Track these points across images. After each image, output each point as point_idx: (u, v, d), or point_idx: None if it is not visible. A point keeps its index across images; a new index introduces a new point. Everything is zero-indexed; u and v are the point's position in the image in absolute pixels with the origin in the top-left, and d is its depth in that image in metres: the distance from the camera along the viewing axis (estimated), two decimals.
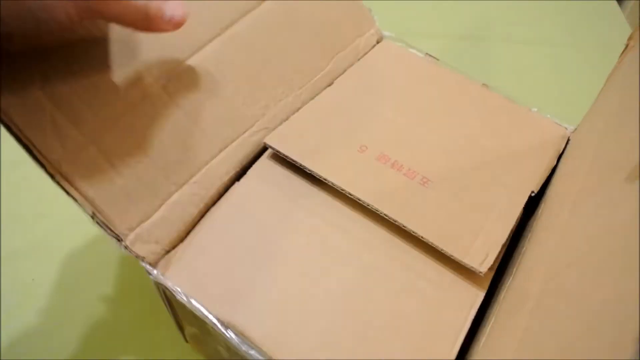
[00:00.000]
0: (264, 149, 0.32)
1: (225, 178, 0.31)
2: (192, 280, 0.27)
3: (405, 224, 0.28)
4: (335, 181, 0.30)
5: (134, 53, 0.28)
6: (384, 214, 0.29)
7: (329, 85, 0.36)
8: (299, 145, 0.31)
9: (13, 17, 0.21)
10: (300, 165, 0.30)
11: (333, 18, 0.37)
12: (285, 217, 0.30)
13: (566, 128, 0.35)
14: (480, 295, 0.27)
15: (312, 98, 0.35)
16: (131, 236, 0.27)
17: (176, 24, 0.25)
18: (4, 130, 0.24)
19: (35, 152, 0.24)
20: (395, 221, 0.29)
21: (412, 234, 0.29)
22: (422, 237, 0.28)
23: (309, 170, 0.30)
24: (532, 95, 0.41)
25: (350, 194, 0.29)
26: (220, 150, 0.31)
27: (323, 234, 0.29)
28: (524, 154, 0.33)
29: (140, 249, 0.27)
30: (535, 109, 0.37)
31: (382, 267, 0.28)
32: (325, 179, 0.30)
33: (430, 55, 0.39)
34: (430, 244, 0.28)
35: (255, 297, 0.27)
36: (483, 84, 0.37)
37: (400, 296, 0.27)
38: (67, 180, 0.25)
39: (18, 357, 0.36)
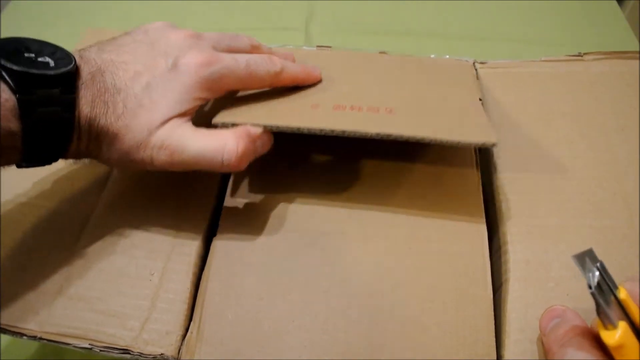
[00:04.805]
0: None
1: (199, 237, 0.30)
2: (223, 351, 0.26)
3: (402, 134, 0.26)
4: (311, 126, 0.27)
5: None
6: (375, 134, 0.26)
7: None
8: (250, 113, 0.29)
9: None
10: (268, 126, 0.28)
11: None
12: (277, 249, 0.29)
13: (467, 60, 0.38)
14: (483, 229, 0.29)
15: None
16: (139, 342, 0.26)
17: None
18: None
19: None
20: (389, 135, 0.26)
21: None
22: (423, 138, 0.26)
23: (277, 128, 0.27)
24: None
25: (333, 131, 0.27)
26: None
27: (320, 245, 0.29)
28: (450, 80, 0.35)
29: (155, 349, 0.26)
30: (434, 55, 0.39)
31: (389, 252, 0.28)
32: (298, 129, 0.27)
33: (321, 46, 0.40)
34: (435, 141, 0.26)
35: (293, 334, 0.26)
36: (380, 52, 0.39)
37: (422, 272, 0.27)
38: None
39: (18, 357, 0.36)
